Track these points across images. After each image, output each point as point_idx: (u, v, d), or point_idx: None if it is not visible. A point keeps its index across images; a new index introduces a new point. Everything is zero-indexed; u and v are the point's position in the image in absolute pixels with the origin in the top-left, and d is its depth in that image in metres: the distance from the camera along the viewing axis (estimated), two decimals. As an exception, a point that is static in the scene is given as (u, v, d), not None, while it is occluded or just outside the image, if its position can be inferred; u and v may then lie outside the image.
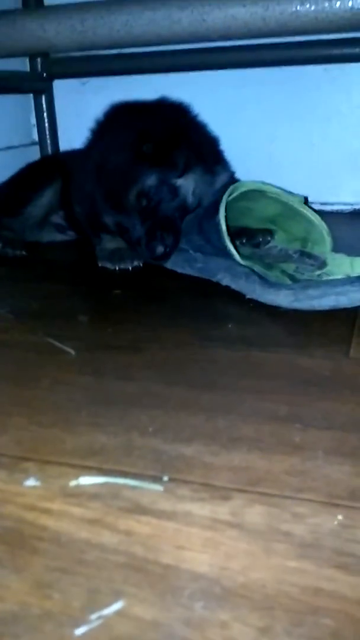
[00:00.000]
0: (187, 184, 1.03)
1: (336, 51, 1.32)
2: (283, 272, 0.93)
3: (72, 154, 1.29)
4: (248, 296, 0.85)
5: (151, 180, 0.99)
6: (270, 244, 1.02)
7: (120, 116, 1.11)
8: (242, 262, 0.86)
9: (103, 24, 1.14)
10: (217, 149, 1.17)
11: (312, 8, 0.99)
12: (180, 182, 1.02)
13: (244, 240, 1.02)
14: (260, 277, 0.84)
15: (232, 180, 1.14)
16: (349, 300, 0.77)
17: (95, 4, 1.19)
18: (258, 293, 0.83)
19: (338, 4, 0.96)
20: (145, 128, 1.03)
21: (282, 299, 0.80)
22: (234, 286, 0.88)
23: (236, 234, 1.03)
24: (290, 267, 0.94)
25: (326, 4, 0.97)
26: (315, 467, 0.48)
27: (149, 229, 0.98)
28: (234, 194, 0.91)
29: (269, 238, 1.02)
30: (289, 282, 0.87)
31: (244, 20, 1.05)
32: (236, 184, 0.92)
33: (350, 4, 0.96)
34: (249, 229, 1.03)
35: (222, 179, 1.11)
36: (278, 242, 1.01)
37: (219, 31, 1.09)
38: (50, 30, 1.18)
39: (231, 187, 0.91)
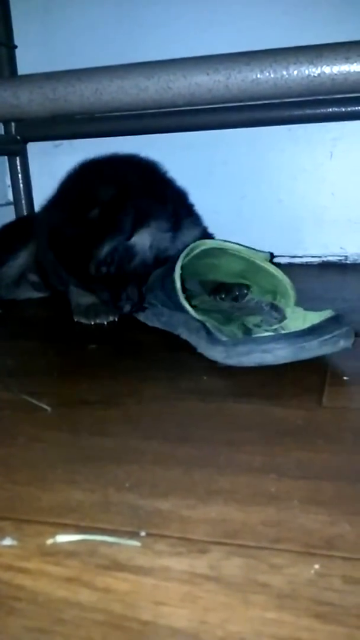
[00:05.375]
0: (142, 241, 1.02)
1: (298, 112, 1.39)
2: (241, 325, 0.93)
3: None
4: (198, 350, 0.86)
5: (106, 249, 0.98)
6: (248, 297, 1.03)
7: (73, 178, 1.11)
8: (196, 316, 0.87)
9: (74, 92, 1.18)
10: (185, 203, 1.18)
11: (272, 75, 1.04)
12: (133, 240, 1.01)
13: (223, 296, 1.03)
14: (208, 332, 0.85)
15: (205, 234, 1.15)
16: (274, 357, 0.76)
17: (66, 73, 1.24)
18: (202, 348, 0.85)
19: (295, 72, 1.02)
20: (89, 191, 1.02)
21: (217, 354, 0.82)
22: (189, 340, 0.90)
23: (215, 289, 1.05)
24: (254, 320, 0.95)
25: (284, 72, 1.03)
26: (292, 517, 0.48)
27: (114, 291, 1.00)
28: (194, 252, 0.93)
29: (246, 291, 1.03)
30: (240, 336, 0.88)
31: (207, 88, 1.10)
32: (195, 243, 0.94)
33: (306, 72, 1.01)
34: (226, 283, 1.04)
35: (191, 233, 1.12)
36: (254, 294, 1.02)
37: (184, 98, 1.13)
38: (23, 98, 1.22)
39: (190, 246, 0.93)
